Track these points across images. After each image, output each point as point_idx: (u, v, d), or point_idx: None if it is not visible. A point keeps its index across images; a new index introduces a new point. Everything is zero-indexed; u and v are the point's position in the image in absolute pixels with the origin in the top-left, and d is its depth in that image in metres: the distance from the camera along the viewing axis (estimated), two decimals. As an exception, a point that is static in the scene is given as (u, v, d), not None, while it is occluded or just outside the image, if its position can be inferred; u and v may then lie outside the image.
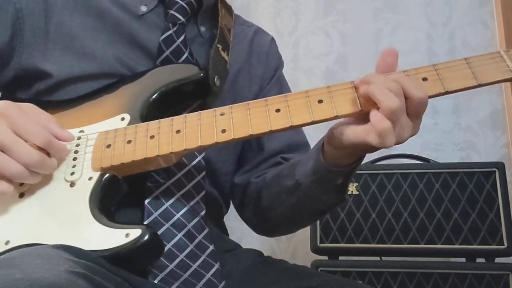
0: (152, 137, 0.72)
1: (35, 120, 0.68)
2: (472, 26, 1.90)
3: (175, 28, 0.86)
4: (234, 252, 0.89)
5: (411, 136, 0.66)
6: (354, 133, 0.66)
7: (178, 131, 0.71)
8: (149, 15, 0.89)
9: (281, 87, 1.04)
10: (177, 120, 0.73)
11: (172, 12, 0.87)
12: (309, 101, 0.69)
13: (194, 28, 0.92)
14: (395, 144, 0.64)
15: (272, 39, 1.08)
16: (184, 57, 0.85)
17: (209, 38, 0.93)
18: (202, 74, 0.81)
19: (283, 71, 1.08)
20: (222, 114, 0.71)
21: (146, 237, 0.64)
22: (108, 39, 0.85)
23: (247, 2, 2.10)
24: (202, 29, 0.93)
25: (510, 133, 1.79)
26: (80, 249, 0.60)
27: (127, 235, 0.64)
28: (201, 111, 0.73)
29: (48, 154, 0.68)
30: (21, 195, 0.70)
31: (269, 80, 1.02)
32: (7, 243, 0.66)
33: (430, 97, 0.66)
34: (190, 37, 0.89)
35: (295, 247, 1.90)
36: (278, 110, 0.69)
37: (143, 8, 0.88)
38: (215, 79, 0.83)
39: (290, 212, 0.86)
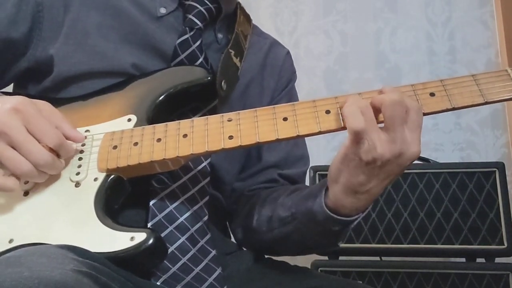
0: (159, 140, 0.71)
1: (49, 119, 0.68)
2: (472, 26, 1.90)
3: (192, 33, 0.86)
4: (235, 254, 0.89)
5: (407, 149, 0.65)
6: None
7: (185, 135, 0.71)
8: (168, 17, 0.88)
9: (291, 98, 1.04)
10: (184, 124, 0.72)
11: (190, 16, 0.87)
12: (316, 111, 0.69)
13: (211, 34, 0.92)
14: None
15: (288, 53, 1.07)
16: (198, 62, 0.84)
17: (225, 44, 0.92)
18: (209, 78, 0.80)
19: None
20: (229, 120, 0.71)
21: (151, 241, 0.64)
22: (122, 39, 0.84)
23: (247, 2, 2.09)
24: (219, 35, 0.93)
25: (510, 133, 1.79)
26: (84, 249, 0.60)
27: (132, 238, 0.64)
28: (208, 116, 0.73)
29: (58, 155, 0.69)
30: (26, 194, 0.70)
31: (280, 92, 1.01)
32: (11, 241, 0.66)
33: (437, 112, 0.67)
34: (207, 43, 0.88)
35: (295, 247, 1.90)
36: (285, 119, 0.69)
37: (162, 10, 0.88)
38: (222, 83, 0.83)
39: (279, 241, 0.82)
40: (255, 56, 0.98)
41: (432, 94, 0.68)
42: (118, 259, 0.63)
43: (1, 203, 0.70)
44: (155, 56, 0.85)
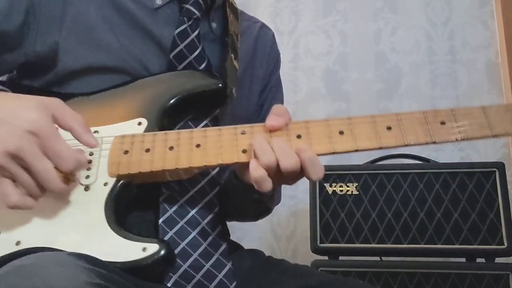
0: (171, 148, 0.71)
1: (61, 122, 0.66)
2: (472, 26, 1.90)
3: (190, 23, 0.86)
4: (235, 254, 0.89)
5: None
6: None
7: (198, 145, 0.71)
8: (164, 8, 0.88)
9: (277, 91, 1.06)
10: (197, 134, 0.72)
11: (187, 6, 0.87)
12: (331, 130, 0.70)
13: (206, 24, 0.92)
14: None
15: (273, 35, 1.09)
16: (197, 52, 0.84)
17: (220, 35, 0.93)
18: (220, 85, 0.81)
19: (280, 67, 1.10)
20: (243, 133, 0.71)
21: (163, 252, 0.65)
22: (123, 33, 0.84)
23: (247, 1, 2.09)
24: (214, 25, 0.93)
25: (510, 133, 1.79)
26: (95, 258, 0.60)
27: (144, 249, 0.64)
28: (221, 127, 0.73)
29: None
30: None
31: (269, 78, 1.03)
32: (18, 243, 0.66)
33: (445, 142, 0.69)
34: (203, 33, 0.89)
35: (295, 247, 1.90)
36: (299, 136, 0.70)
37: (158, 2, 0.88)
38: (233, 90, 0.84)
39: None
40: (245, 43, 0.98)
41: (442, 123, 0.70)
42: (129, 269, 0.63)
43: None
44: (155, 48, 0.85)
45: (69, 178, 0.68)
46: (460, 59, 1.89)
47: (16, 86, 0.83)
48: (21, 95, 0.68)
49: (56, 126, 0.66)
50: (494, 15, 1.89)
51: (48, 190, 0.64)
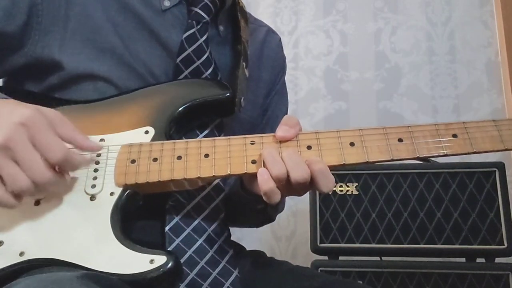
0: (179, 157, 0.70)
1: (57, 131, 0.64)
2: (472, 26, 1.91)
3: (198, 27, 0.84)
4: (238, 256, 0.89)
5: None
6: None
7: (206, 155, 0.70)
8: (172, 10, 0.86)
9: (282, 96, 1.05)
10: (206, 143, 0.71)
11: (196, 10, 0.85)
12: (340, 142, 0.70)
13: (213, 27, 0.90)
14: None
15: (280, 40, 1.07)
16: (204, 57, 0.83)
17: (226, 37, 0.92)
18: (229, 95, 0.79)
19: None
20: (252, 143, 0.70)
21: (170, 264, 0.63)
22: (129, 35, 0.82)
23: (247, 2, 2.09)
24: (221, 28, 0.92)
25: (510, 133, 1.78)
26: (108, 278, 0.59)
27: (151, 261, 0.63)
28: (230, 137, 0.72)
29: (63, 170, 0.65)
30: (37, 203, 0.68)
31: (275, 85, 1.02)
32: (21, 254, 0.64)
33: (457, 155, 0.69)
34: (210, 36, 0.87)
35: (295, 247, 1.90)
36: (309, 147, 0.70)
37: (167, 3, 0.86)
38: (242, 100, 0.83)
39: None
40: (252, 47, 0.96)
41: (454, 136, 0.70)
42: (135, 281, 0.62)
43: (11, 212, 0.66)
44: (161, 52, 0.83)
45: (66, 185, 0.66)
46: (460, 59, 1.89)
47: (12, 92, 0.81)
48: (21, 102, 0.67)
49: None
50: (494, 15, 1.90)
51: (34, 182, 0.62)
